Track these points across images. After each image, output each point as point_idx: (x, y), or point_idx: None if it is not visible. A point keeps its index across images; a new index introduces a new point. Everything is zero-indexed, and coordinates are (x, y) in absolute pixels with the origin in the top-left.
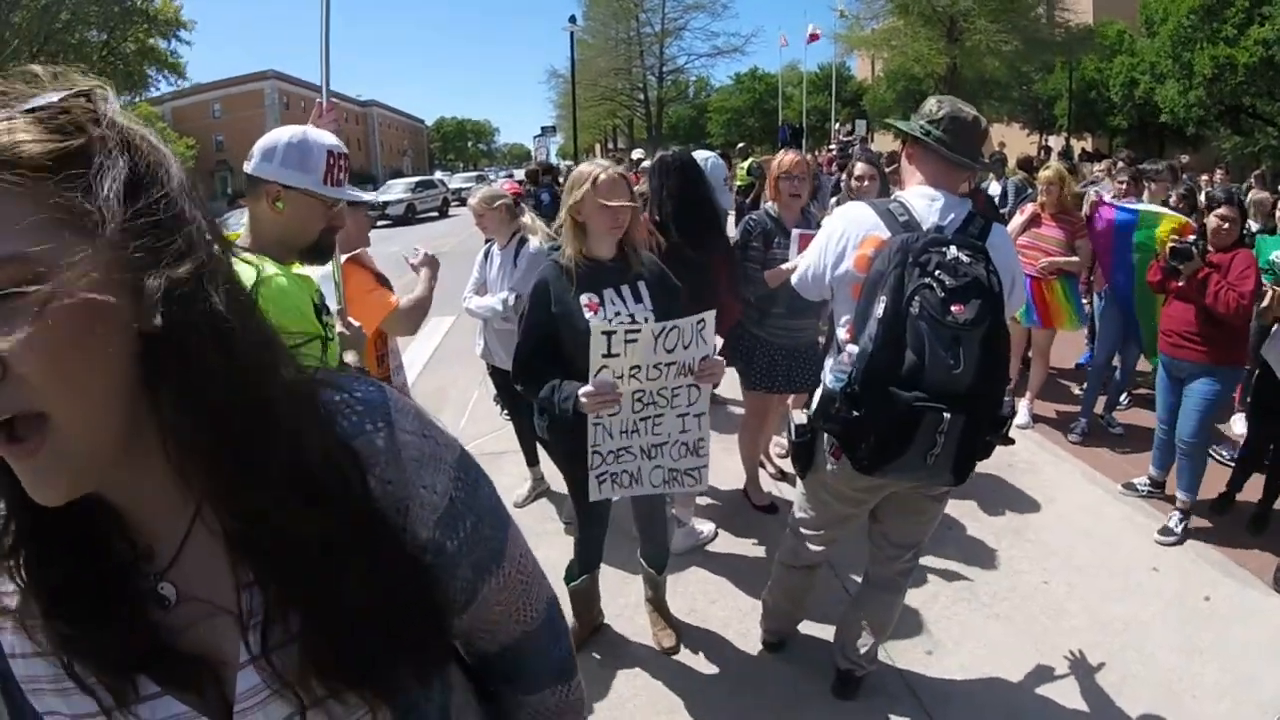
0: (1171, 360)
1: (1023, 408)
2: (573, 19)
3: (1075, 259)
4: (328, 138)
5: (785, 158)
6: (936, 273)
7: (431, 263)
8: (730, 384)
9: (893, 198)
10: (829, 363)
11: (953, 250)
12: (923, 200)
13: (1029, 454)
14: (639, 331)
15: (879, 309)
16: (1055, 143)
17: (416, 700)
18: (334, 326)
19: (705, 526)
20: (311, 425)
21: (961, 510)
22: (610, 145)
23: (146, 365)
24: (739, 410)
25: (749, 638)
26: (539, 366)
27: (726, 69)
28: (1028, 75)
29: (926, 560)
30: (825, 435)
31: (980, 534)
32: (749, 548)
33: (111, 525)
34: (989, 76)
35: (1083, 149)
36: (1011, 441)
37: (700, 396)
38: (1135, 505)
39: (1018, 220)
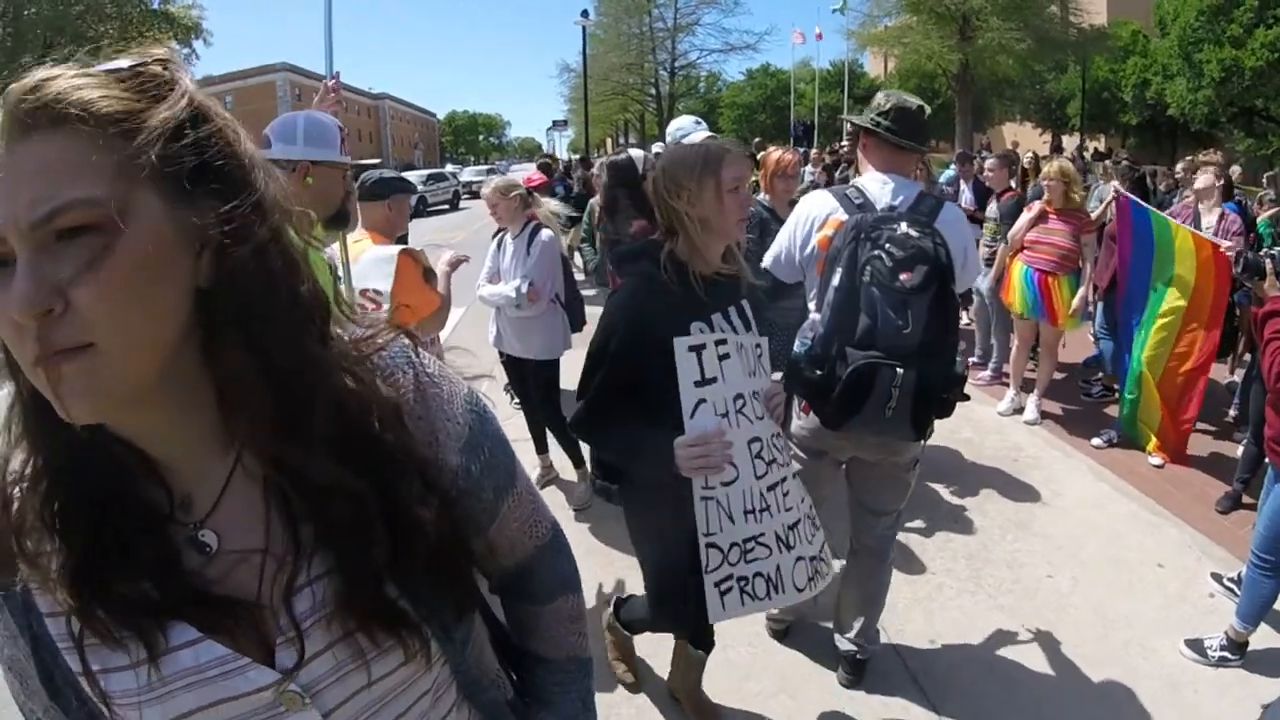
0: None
1: (1030, 404)
2: (585, 13)
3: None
4: (329, 116)
5: (782, 156)
6: (886, 246)
7: (452, 262)
8: None
9: (850, 184)
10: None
11: (902, 226)
12: (876, 184)
13: (1036, 449)
14: (727, 343)
15: (835, 280)
16: (1069, 142)
17: (450, 632)
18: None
19: None
20: (355, 377)
21: (967, 503)
22: (622, 139)
23: (201, 316)
24: None
25: (753, 626)
26: (618, 416)
27: (739, 65)
28: (1040, 74)
29: (931, 552)
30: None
31: (986, 527)
32: None
33: (146, 474)
34: (1001, 75)
35: (1094, 149)
36: (967, 398)
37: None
38: (1141, 501)
39: (1025, 217)
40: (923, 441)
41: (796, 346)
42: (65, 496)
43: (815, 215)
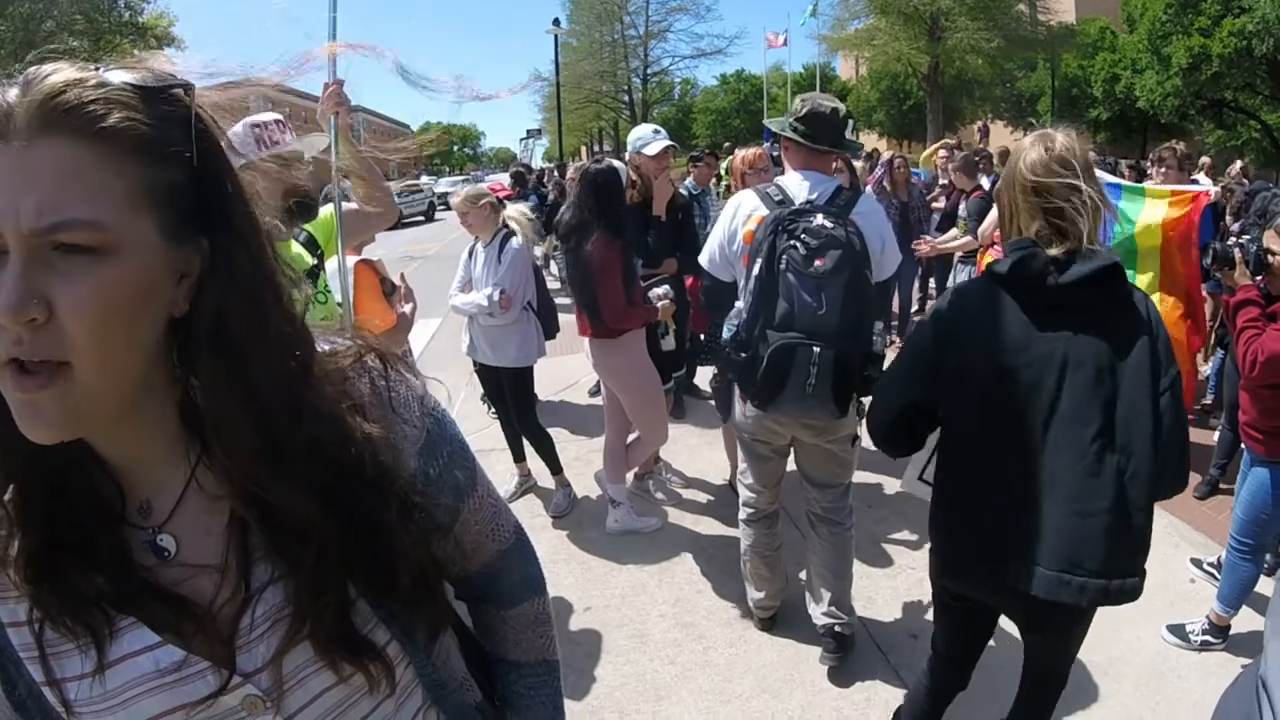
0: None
1: None
2: (556, 22)
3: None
4: (252, 116)
5: (747, 153)
6: (802, 236)
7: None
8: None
9: (771, 183)
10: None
11: (818, 218)
12: (794, 182)
13: None
14: None
15: (756, 269)
16: None
17: (414, 638)
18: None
19: (650, 520)
20: (333, 408)
21: None
22: (596, 148)
23: (171, 342)
24: None
25: (734, 625)
26: None
27: (711, 70)
28: (1010, 72)
29: (911, 546)
30: (735, 384)
31: None
32: (734, 538)
33: (104, 478)
34: (971, 74)
35: None
36: None
37: None
38: None
39: (994, 213)
40: (859, 419)
41: (724, 332)
42: (22, 485)
43: (739, 213)
